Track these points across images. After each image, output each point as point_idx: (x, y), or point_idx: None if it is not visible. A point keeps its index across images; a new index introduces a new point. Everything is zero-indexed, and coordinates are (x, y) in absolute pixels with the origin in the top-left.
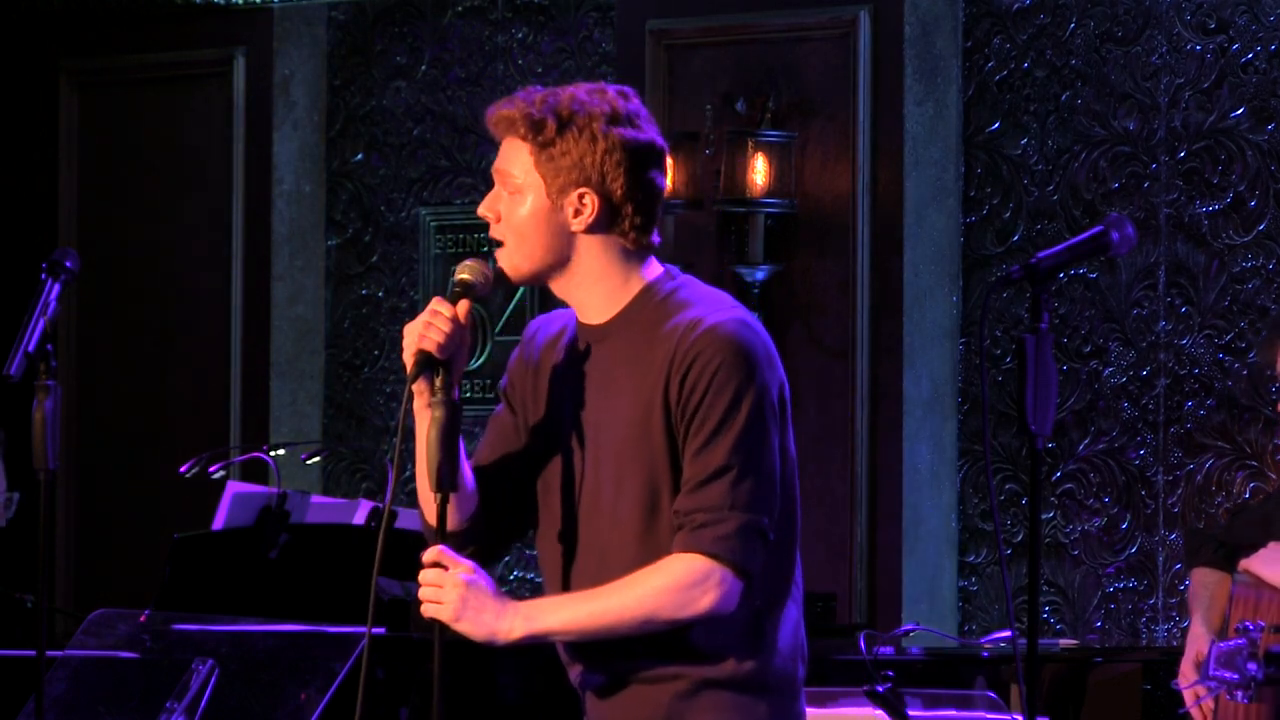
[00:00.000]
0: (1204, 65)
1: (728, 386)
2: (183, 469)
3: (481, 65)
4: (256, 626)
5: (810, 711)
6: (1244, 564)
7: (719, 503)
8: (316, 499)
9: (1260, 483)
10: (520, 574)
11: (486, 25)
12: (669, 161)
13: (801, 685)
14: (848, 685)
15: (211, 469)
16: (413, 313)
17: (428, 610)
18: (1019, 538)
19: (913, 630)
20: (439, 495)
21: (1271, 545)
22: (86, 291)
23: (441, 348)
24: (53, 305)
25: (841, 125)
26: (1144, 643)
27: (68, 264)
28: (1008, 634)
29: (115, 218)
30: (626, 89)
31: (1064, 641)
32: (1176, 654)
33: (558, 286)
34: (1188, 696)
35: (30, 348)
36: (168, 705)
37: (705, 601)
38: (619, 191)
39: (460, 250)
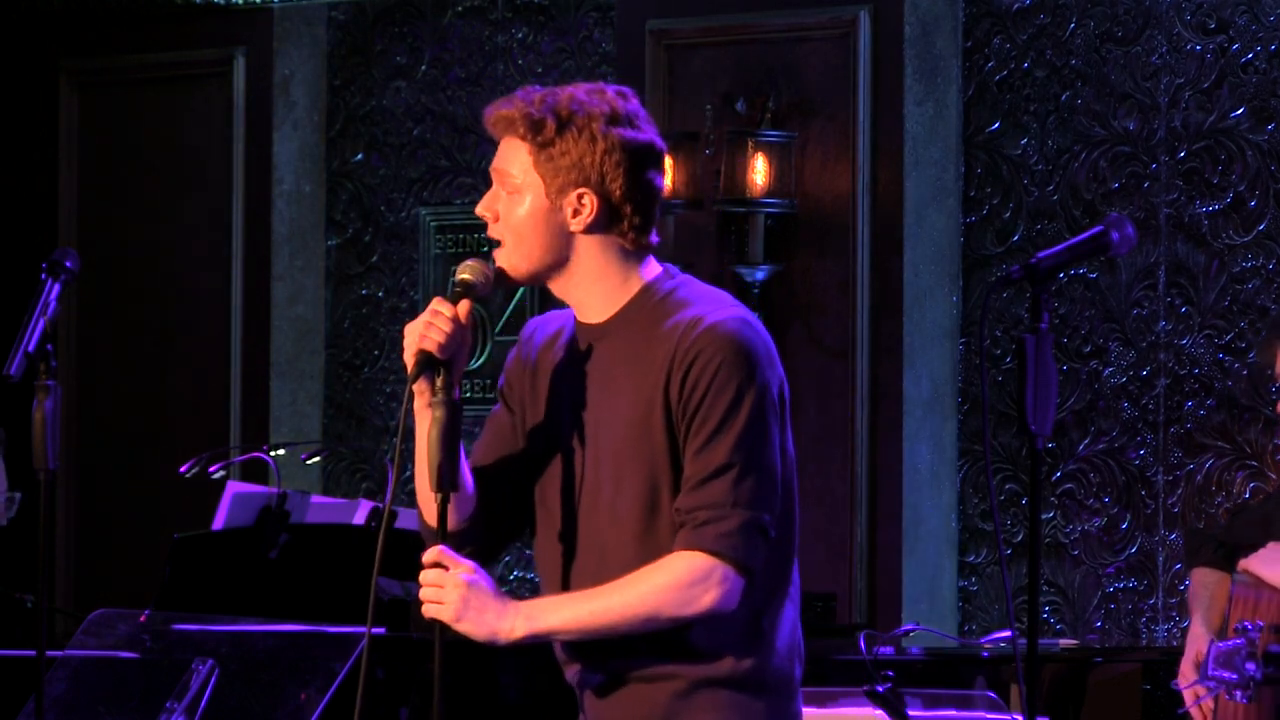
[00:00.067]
0: (1204, 65)
1: (729, 385)
2: (183, 469)
3: (481, 65)
4: (256, 626)
5: (810, 711)
6: (1243, 564)
7: (721, 500)
8: (316, 499)
9: (1260, 483)
10: (520, 574)
11: (486, 25)
12: (668, 162)
13: (799, 685)
14: (848, 685)
15: (211, 469)
16: (413, 313)
17: (429, 610)
18: (1019, 538)
19: (913, 630)
20: (439, 495)
21: (1271, 545)
22: (86, 291)
23: (442, 348)
24: (53, 305)
25: (841, 125)
26: (1144, 643)
27: (68, 264)
28: (1008, 634)
29: (115, 218)
30: (625, 89)
31: (1064, 641)
32: (1176, 654)
33: (556, 286)
34: (1187, 696)
35: (30, 348)
36: (168, 705)
37: (707, 599)
38: (618, 192)
39: (460, 250)
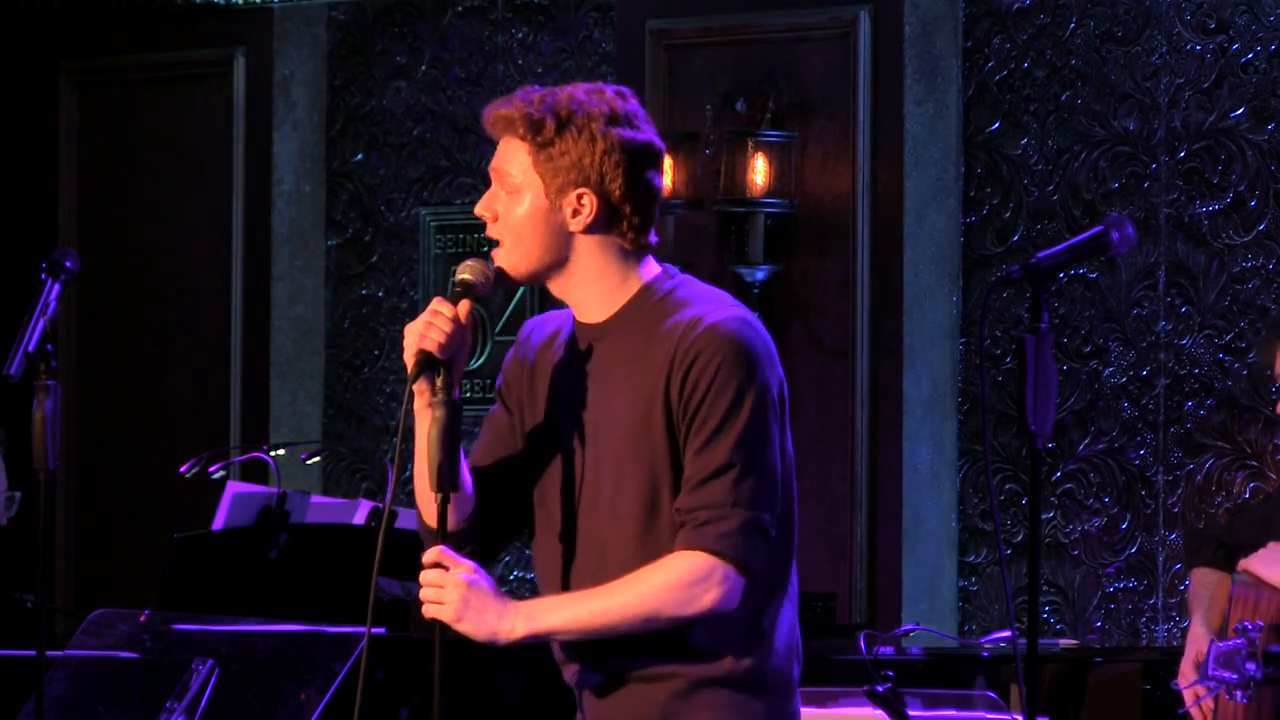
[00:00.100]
0: (1204, 65)
1: (729, 384)
2: (183, 469)
3: (481, 65)
4: (256, 626)
5: (810, 711)
6: (1243, 564)
7: (721, 500)
8: (316, 499)
9: (1260, 483)
10: (520, 574)
11: (486, 25)
12: (668, 162)
13: (797, 685)
14: (848, 685)
15: (211, 469)
16: (413, 313)
17: (429, 610)
18: (1019, 538)
19: (913, 630)
20: (439, 495)
21: (1271, 545)
22: (86, 291)
23: (442, 348)
24: (53, 305)
25: (841, 125)
26: (1144, 643)
27: (68, 264)
28: (1008, 634)
29: (115, 218)
30: (624, 89)
31: (1064, 641)
32: (1176, 654)
33: (555, 286)
34: (1187, 696)
35: (30, 348)
36: (168, 705)
37: (708, 599)
38: (617, 192)
39: (460, 250)
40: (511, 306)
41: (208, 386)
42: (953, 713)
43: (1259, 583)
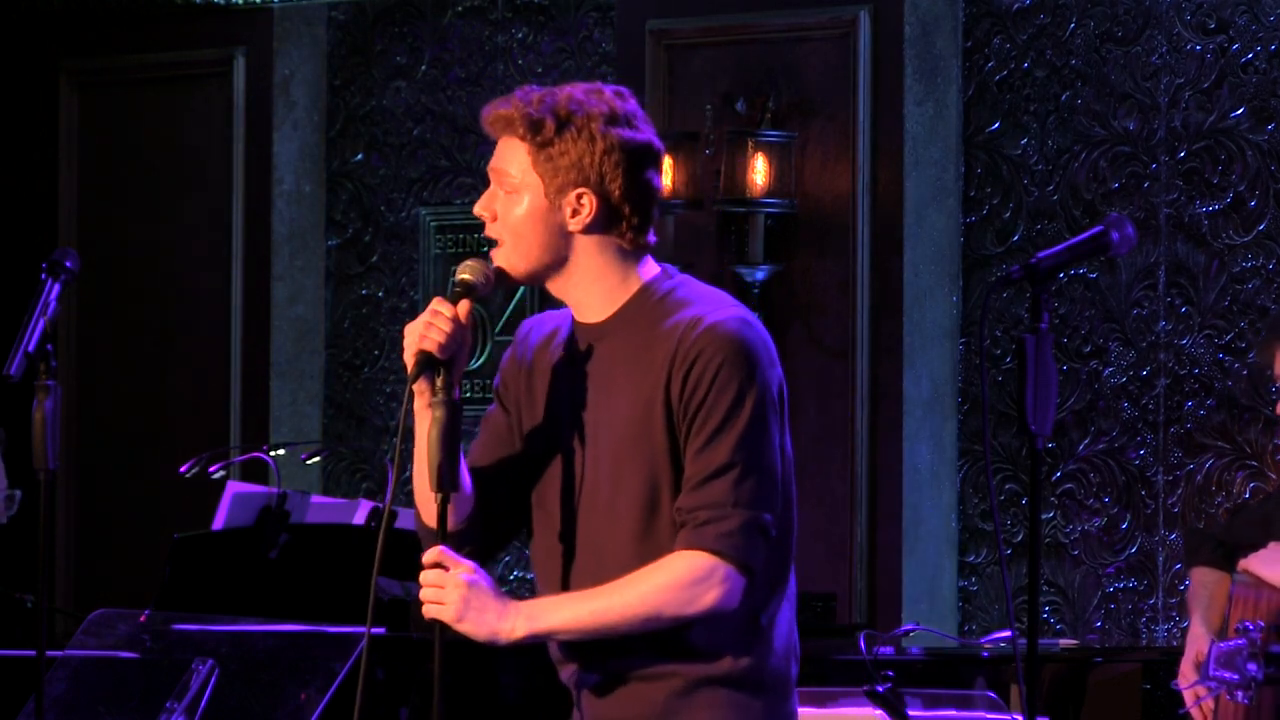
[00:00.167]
0: (1204, 65)
1: (730, 384)
2: (183, 469)
3: (481, 65)
4: (256, 626)
5: (810, 711)
6: (1243, 564)
7: (722, 500)
8: (316, 499)
9: (1260, 483)
10: (520, 574)
11: (486, 25)
12: (668, 162)
13: (794, 684)
14: (848, 685)
15: (211, 469)
16: (413, 313)
17: (429, 611)
18: (1019, 538)
19: (913, 630)
20: (439, 495)
21: (1271, 545)
22: (86, 291)
23: (442, 348)
24: (53, 305)
25: (841, 125)
26: (1144, 643)
27: (68, 264)
28: (1008, 634)
29: (115, 218)
30: (623, 89)
31: (1064, 641)
32: (1176, 654)
33: (555, 286)
34: (1188, 697)
35: (30, 348)
36: (168, 705)
37: (709, 598)
38: (617, 192)
39: (460, 250)
40: (511, 306)
41: (208, 386)
42: (953, 713)
43: (1259, 583)
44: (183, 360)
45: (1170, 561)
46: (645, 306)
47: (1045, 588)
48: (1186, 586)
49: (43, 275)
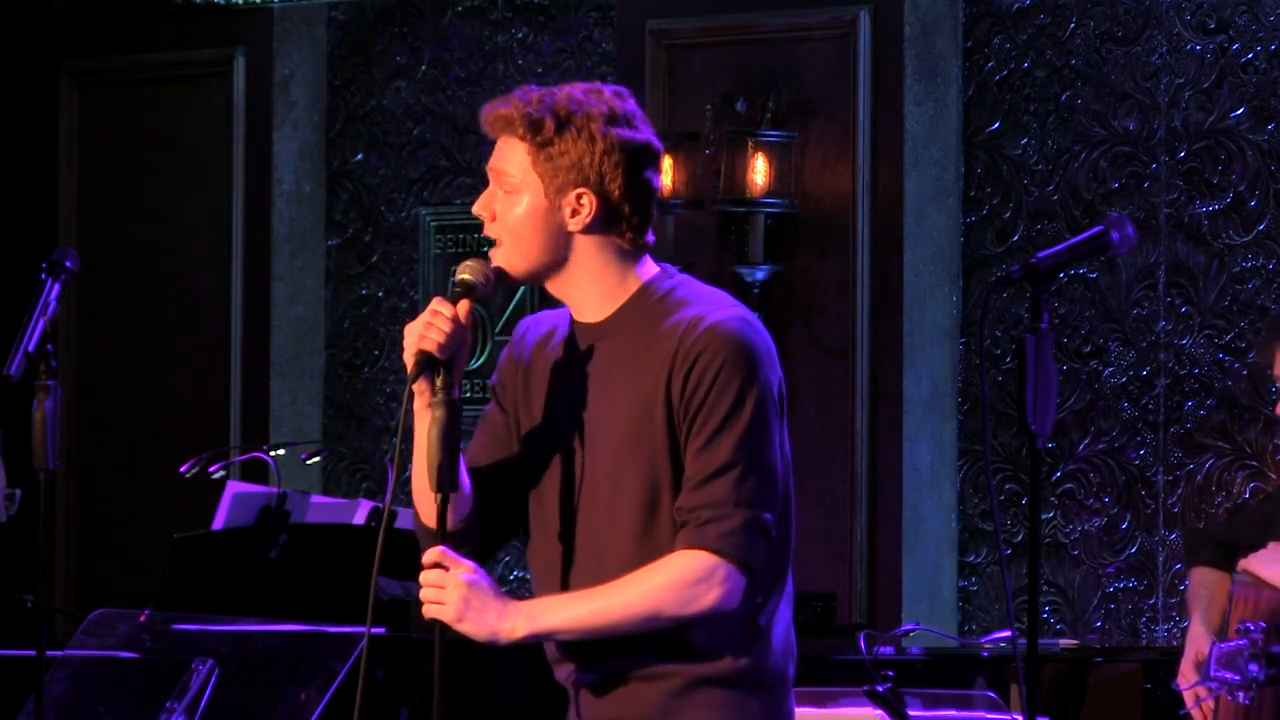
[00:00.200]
0: (1204, 65)
1: (731, 384)
2: (183, 469)
3: (481, 65)
4: (256, 626)
5: (810, 711)
6: (1243, 564)
7: (723, 499)
8: (316, 499)
9: (1260, 483)
10: (520, 574)
11: (486, 25)
12: (667, 161)
13: (791, 684)
14: (848, 685)
15: (211, 469)
16: (413, 313)
17: (430, 611)
18: (1019, 538)
19: (913, 630)
20: (439, 496)
21: (1271, 545)
22: (86, 291)
23: (442, 348)
24: (53, 305)
25: (841, 125)
26: (1144, 643)
27: (68, 264)
28: (1008, 634)
29: (115, 218)
30: (621, 89)
31: (1064, 641)
32: (1176, 654)
33: (553, 286)
34: (1188, 697)
35: (30, 348)
36: (168, 705)
37: (710, 598)
38: (617, 192)
39: (460, 250)
40: (511, 306)
41: (208, 386)
42: (953, 713)
43: (1259, 583)
44: (183, 360)
45: (1170, 561)
46: (645, 306)
47: (1045, 588)
48: (1186, 586)
49: (43, 275)
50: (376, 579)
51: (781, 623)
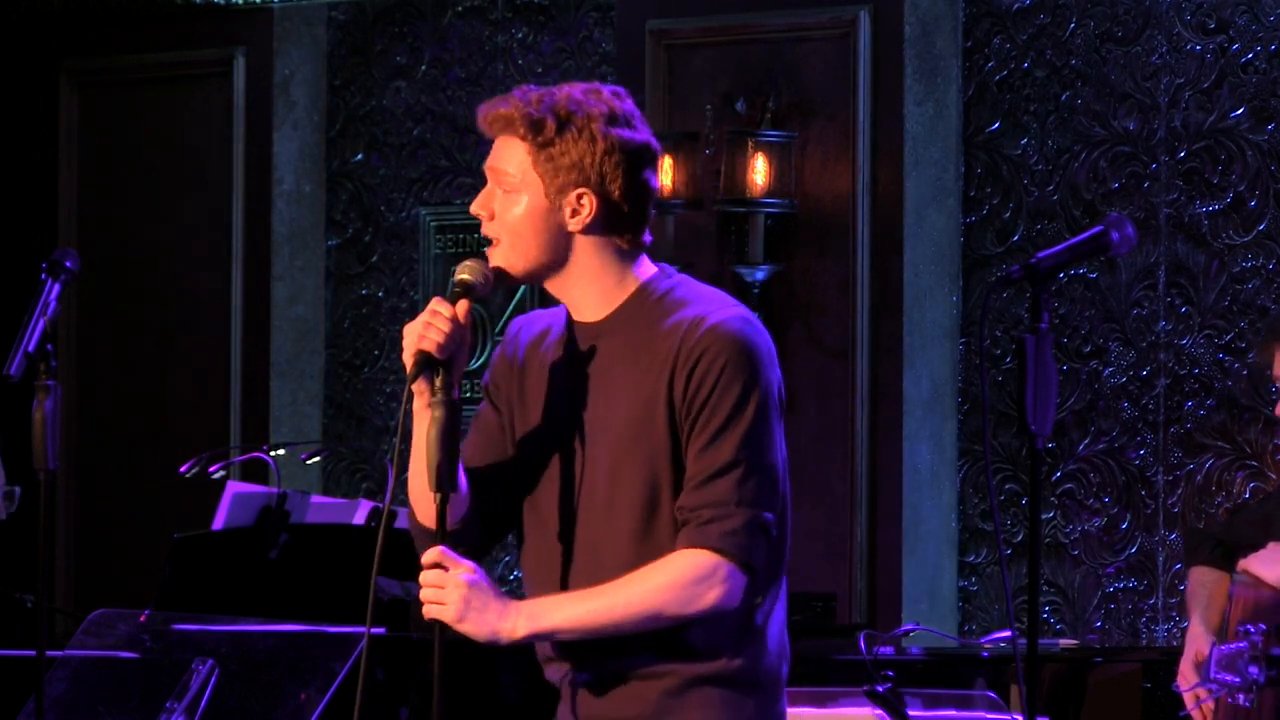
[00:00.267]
0: (1204, 65)
1: (733, 383)
2: (183, 469)
3: (481, 65)
4: (256, 626)
5: (810, 711)
6: (1243, 564)
7: (725, 498)
8: (316, 499)
9: (1260, 483)
10: (520, 574)
11: (486, 25)
12: (667, 162)
13: (785, 685)
14: (848, 685)
15: (211, 469)
16: (413, 313)
17: (430, 611)
18: (1019, 538)
19: (913, 630)
20: (438, 495)
21: (1271, 545)
22: (86, 291)
23: (441, 348)
24: (53, 305)
25: (841, 125)
26: (1144, 643)
27: (68, 264)
28: (1008, 634)
29: (115, 218)
30: (620, 89)
31: (1064, 641)
32: (1176, 654)
33: (552, 285)
34: (1188, 699)
35: (30, 348)
36: (168, 705)
37: (711, 597)
38: (617, 192)
39: (460, 250)
40: (511, 306)
41: (208, 386)
42: (953, 713)
43: (1259, 583)
44: (183, 360)
45: (1170, 561)
46: (644, 306)
47: (1045, 588)
48: (1185, 586)
49: (43, 275)
50: (376, 579)
51: (777, 623)
